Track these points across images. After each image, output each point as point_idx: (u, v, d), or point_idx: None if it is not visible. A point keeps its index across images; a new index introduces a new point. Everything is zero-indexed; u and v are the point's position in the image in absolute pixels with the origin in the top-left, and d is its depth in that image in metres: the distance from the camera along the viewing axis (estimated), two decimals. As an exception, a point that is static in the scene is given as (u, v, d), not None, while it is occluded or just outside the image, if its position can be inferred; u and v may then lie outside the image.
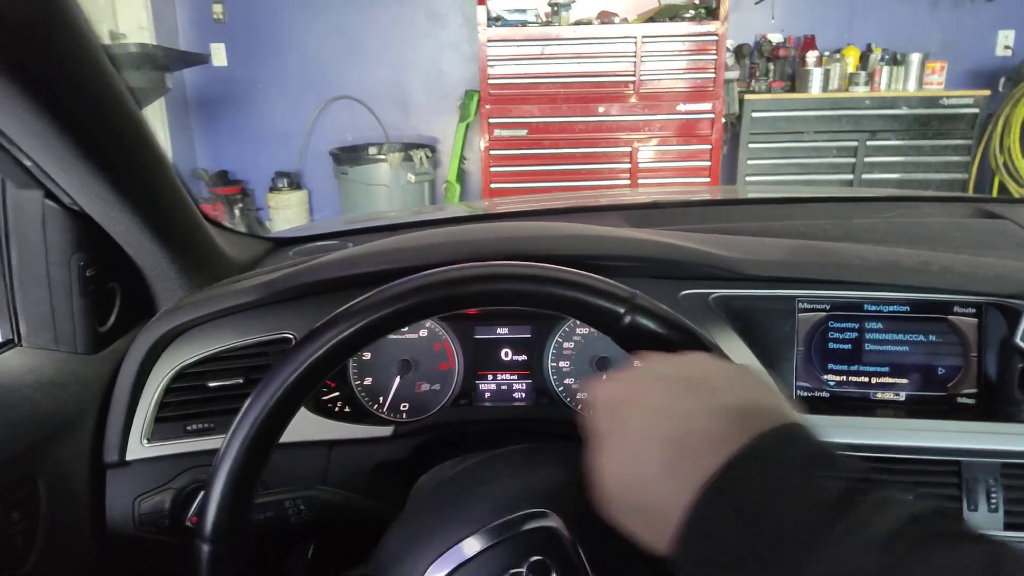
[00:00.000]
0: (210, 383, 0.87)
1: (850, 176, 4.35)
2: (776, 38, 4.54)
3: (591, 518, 0.58)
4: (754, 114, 4.27)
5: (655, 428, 0.44)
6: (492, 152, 4.14)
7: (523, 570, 0.55)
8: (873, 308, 0.90)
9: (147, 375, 0.86)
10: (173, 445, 0.85)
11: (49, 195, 0.76)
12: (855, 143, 4.30)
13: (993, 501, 0.80)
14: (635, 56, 4.00)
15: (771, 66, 4.46)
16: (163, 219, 0.83)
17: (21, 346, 0.83)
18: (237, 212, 4.66)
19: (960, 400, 0.88)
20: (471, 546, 0.56)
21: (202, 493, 0.83)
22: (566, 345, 0.93)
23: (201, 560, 0.56)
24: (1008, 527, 0.80)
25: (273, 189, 4.74)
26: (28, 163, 0.70)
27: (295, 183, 4.80)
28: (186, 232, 0.89)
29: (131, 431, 0.85)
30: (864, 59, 4.44)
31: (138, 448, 0.84)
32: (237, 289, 0.88)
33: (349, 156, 4.44)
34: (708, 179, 4.15)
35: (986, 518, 0.80)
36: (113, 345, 0.87)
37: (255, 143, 4.87)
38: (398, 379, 0.92)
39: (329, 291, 0.90)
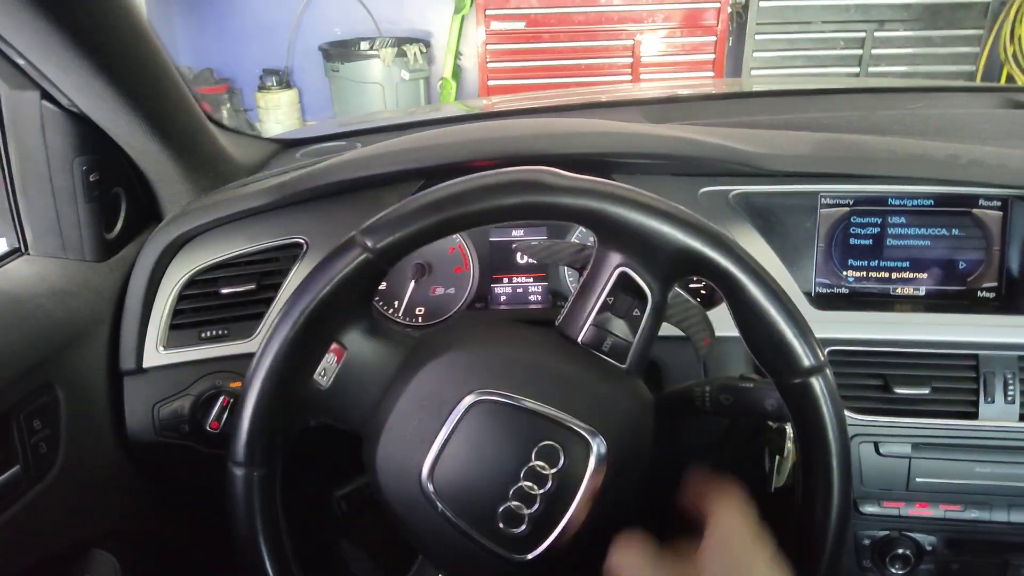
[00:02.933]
0: (222, 289, 0.86)
1: (856, 68, 4.24)
2: (786, -82, 4.30)
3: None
4: (762, 3, 4.10)
5: None
6: (489, 47, 3.98)
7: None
8: (897, 202, 0.88)
9: (159, 282, 0.85)
10: (189, 352, 0.85)
11: (46, 96, 0.73)
12: (863, 34, 4.17)
13: (1010, 393, 0.81)
14: (638, -61, 3.80)
15: (780, -50, 4.24)
16: (165, 120, 0.80)
17: (28, 254, 0.82)
18: (225, 113, 4.51)
19: (980, 294, 0.88)
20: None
21: (221, 399, 0.84)
22: None
23: (235, 479, 0.55)
24: (1023, 418, 0.82)
25: (262, 88, 4.57)
26: (21, 61, 0.66)
27: (284, 81, 4.62)
28: (190, 133, 0.86)
29: (146, 338, 0.84)
30: (876, -59, 4.24)
31: (154, 355, 0.84)
32: (247, 193, 0.85)
33: (340, 52, 4.27)
34: (712, 73, 4.02)
35: (1002, 410, 0.82)
36: (122, 252, 0.86)
37: (240, 39, 4.65)
38: (413, 283, 0.91)
39: (342, 193, 0.87)
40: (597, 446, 0.56)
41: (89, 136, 0.77)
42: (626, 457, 0.58)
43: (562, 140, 0.84)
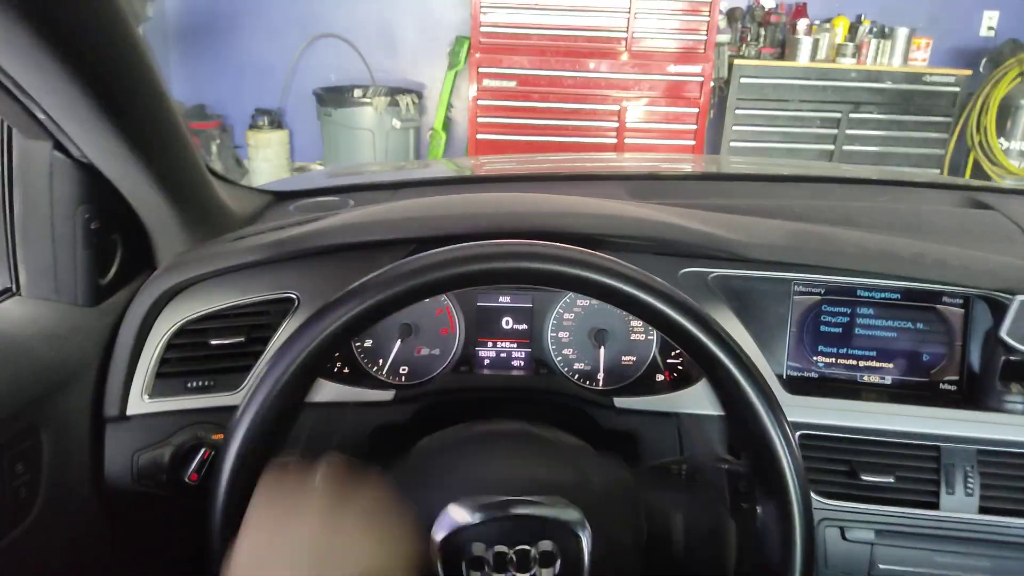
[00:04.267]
0: (212, 341, 0.87)
1: (831, 147, 4.41)
2: (769, 3, 4.50)
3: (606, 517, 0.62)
4: (743, 80, 4.26)
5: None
6: (480, 102, 4.08)
7: (532, 550, 0.59)
8: (865, 294, 0.93)
9: (149, 330, 0.86)
10: (173, 401, 0.86)
11: (58, 146, 0.75)
12: (839, 115, 4.35)
13: (970, 486, 0.84)
14: (629, 12, 3.94)
15: (762, 31, 4.42)
16: (172, 174, 0.82)
17: (20, 296, 0.82)
18: (215, 148, 4.54)
19: (943, 387, 0.92)
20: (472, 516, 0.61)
21: (202, 451, 0.84)
22: (567, 316, 0.95)
23: (213, 523, 0.57)
24: (982, 511, 0.85)
25: (253, 127, 4.62)
26: (42, 116, 0.68)
27: (276, 121, 4.68)
28: (192, 187, 0.88)
29: (132, 386, 0.84)
30: (853, 30, 4.44)
31: (138, 403, 0.84)
32: (242, 247, 0.87)
33: (333, 97, 4.34)
34: (693, 143, 4.15)
35: (961, 502, 0.85)
36: (113, 298, 0.86)
37: (235, 77, 4.72)
38: (399, 342, 0.93)
39: (334, 252, 0.90)
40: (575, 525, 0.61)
41: (94, 185, 0.79)
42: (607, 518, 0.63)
43: (555, 219, 0.88)
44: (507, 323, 0.96)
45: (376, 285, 0.58)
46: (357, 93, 4.34)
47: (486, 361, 0.96)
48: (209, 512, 0.57)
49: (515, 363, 0.96)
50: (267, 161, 4.54)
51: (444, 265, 0.58)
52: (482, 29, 3.99)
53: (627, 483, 0.68)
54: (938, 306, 0.92)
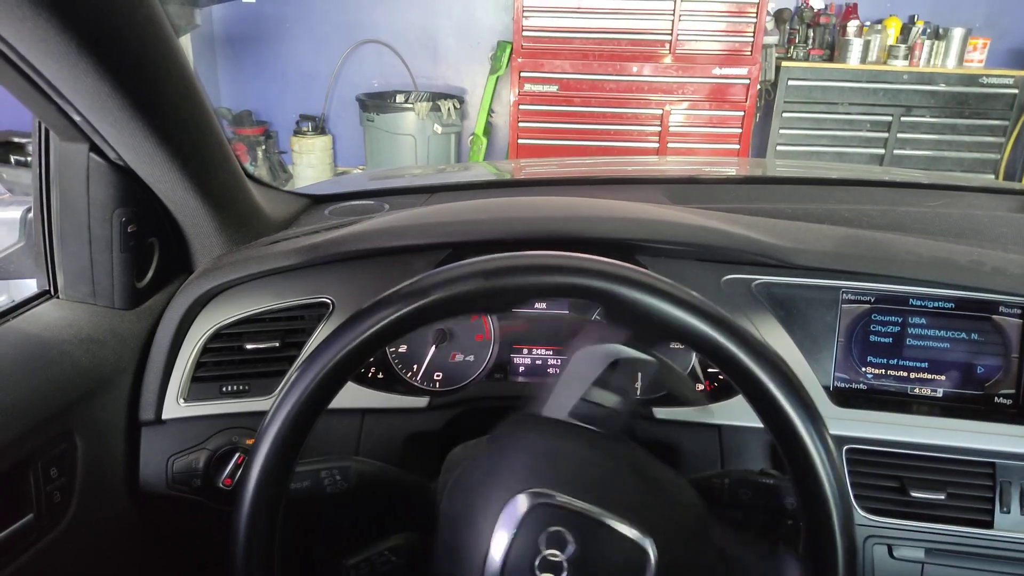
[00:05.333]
0: (247, 345, 0.87)
1: (882, 151, 4.29)
2: (818, 4, 4.39)
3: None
4: (790, 82, 4.17)
5: None
6: (521, 107, 4.06)
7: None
8: (918, 303, 0.88)
9: (185, 334, 0.86)
10: (208, 405, 0.86)
11: (94, 149, 0.75)
12: (889, 118, 4.23)
13: None
14: (673, 15, 3.88)
15: (811, 33, 4.33)
16: (208, 177, 0.82)
17: (57, 298, 0.83)
18: (260, 154, 4.62)
19: (998, 401, 0.88)
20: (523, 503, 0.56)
21: (236, 455, 0.84)
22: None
23: (238, 530, 0.56)
24: None
25: (297, 132, 4.69)
26: (77, 117, 0.69)
27: (320, 127, 4.75)
28: (229, 190, 0.88)
29: (167, 390, 0.85)
30: (905, 31, 4.31)
31: (174, 407, 0.85)
32: (277, 251, 0.87)
33: (376, 103, 4.38)
34: (738, 147, 4.07)
35: (1017, 521, 0.81)
36: (149, 301, 0.87)
37: (280, 84, 4.80)
38: (433, 348, 0.92)
39: (370, 256, 0.89)
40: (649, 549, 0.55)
41: (131, 188, 0.79)
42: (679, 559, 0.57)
43: (592, 224, 0.86)
44: (543, 330, 0.94)
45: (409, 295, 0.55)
46: (399, 99, 4.38)
47: (521, 368, 0.94)
48: (234, 519, 0.56)
49: (551, 371, 0.94)
50: (311, 167, 4.60)
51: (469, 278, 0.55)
52: (524, 33, 3.98)
53: (703, 517, 0.63)
54: (994, 316, 0.87)
